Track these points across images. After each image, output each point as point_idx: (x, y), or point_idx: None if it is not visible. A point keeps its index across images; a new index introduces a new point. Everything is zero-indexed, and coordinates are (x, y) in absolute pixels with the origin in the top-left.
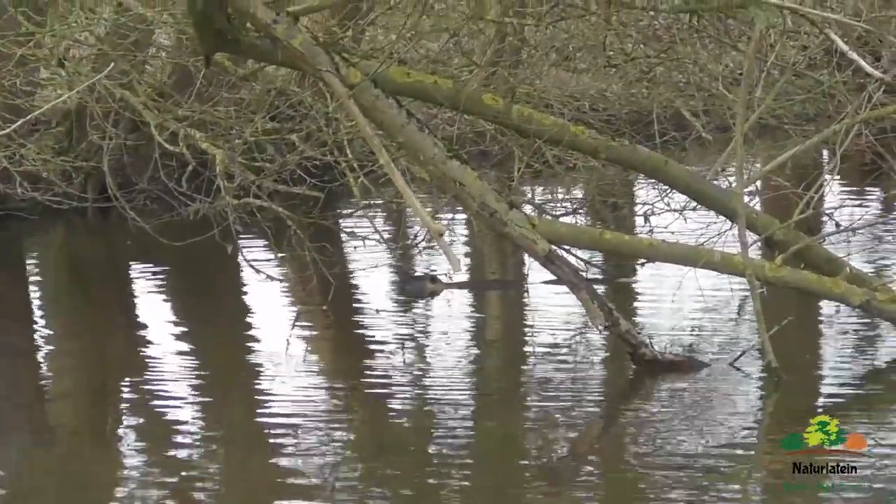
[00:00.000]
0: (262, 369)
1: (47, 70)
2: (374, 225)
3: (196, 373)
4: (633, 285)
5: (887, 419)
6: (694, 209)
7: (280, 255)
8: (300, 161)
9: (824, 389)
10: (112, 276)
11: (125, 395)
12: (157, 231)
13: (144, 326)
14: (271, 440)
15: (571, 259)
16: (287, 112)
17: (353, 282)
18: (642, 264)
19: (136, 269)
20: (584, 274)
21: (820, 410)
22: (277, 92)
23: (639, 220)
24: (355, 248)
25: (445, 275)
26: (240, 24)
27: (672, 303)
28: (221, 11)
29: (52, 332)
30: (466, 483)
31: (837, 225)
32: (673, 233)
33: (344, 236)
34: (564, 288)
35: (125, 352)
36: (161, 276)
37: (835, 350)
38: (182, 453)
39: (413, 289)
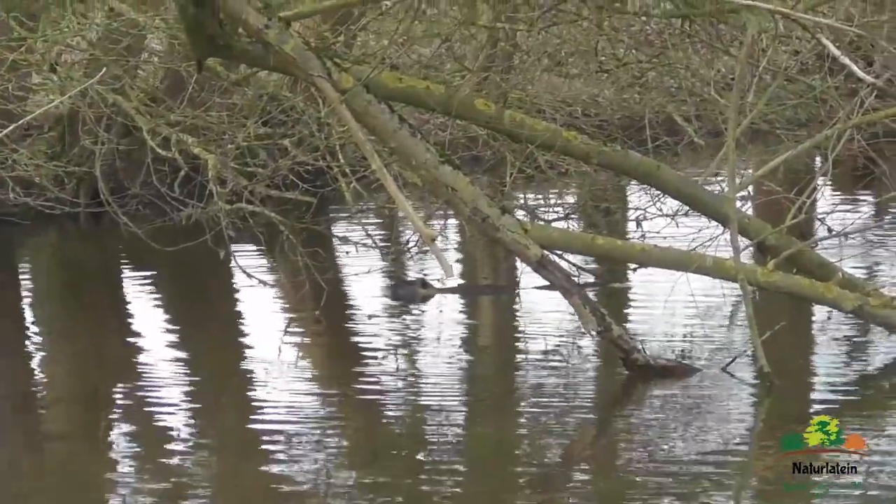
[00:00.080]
0: (254, 375)
1: (39, 75)
2: (367, 230)
3: (188, 378)
4: (626, 290)
5: (880, 424)
6: (686, 214)
7: (272, 260)
8: (292, 166)
9: (816, 394)
10: (104, 281)
11: (117, 401)
12: (150, 236)
13: (136, 331)
14: (263, 446)
15: (563, 264)
16: (279, 117)
17: (346, 287)
18: (634, 269)
19: (129, 274)
20: (576, 279)
21: (812, 416)
22: (269, 97)
23: (631, 226)
24: (347, 253)
25: (438, 280)
26: (232, 29)
27: (664, 308)
28: (213, 17)
29: (44, 337)
30: (459, 490)
31: (829, 230)
32: (665, 238)
33: (336, 241)
34: (557, 293)
35: (117, 357)
36: (153, 281)
37: (827, 355)
38: (174, 459)
39: (404, 294)
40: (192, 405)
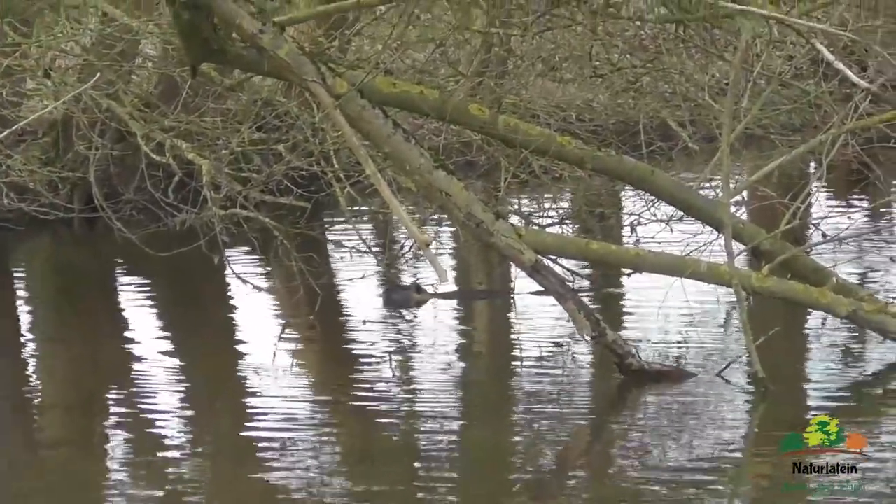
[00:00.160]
0: (248, 380)
1: (33, 80)
2: (361, 235)
3: (182, 384)
4: (620, 296)
5: (874, 430)
6: (680, 219)
7: (267, 265)
8: (287, 171)
9: (811, 400)
10: (99, 286)
11: (111, 406)
12: (144, 242)
13: (131, 337)
14: (258, 453)
15: (558, 269)
16: (273, 122)
17: (340, 292)
18: (629, 274)
19: (123, 279)
20: (570, 284)
21: (807, 421)
22: (264, 102)
23: (625, 231)
24: (342, 258)
25: (432, 285)
26: (226, 34)
27: (658, 313)
28: (207, 22)
29: (38, 343)
30: (453, 497)
31: (824, 235)
32: (659, 243)
33: (331, 247)
34: (551, 298)
35: (111, 362)
36: (147, 287)
37: (821, 360)
38: (168, 465)
39: (398, 299)
40: (187, 411)
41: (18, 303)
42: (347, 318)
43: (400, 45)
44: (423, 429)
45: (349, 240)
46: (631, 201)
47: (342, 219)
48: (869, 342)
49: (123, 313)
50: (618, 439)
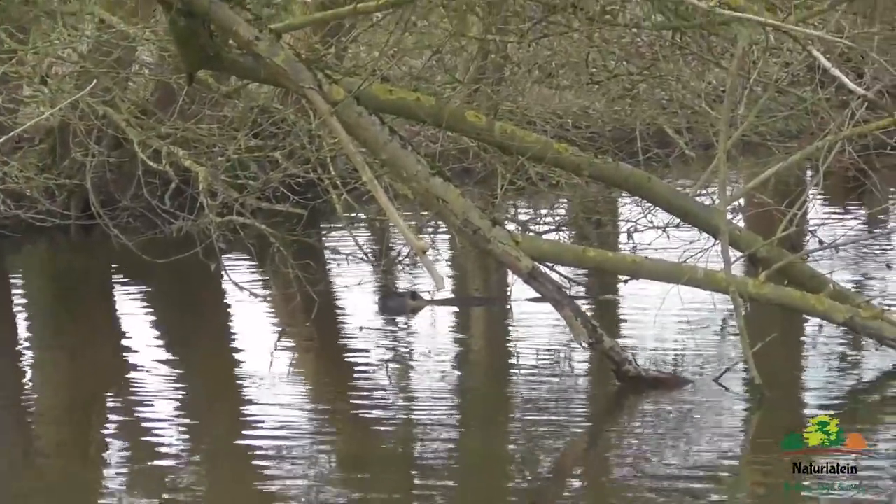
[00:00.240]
0: (245, 387)
1: (30, 87)
2: (358, 242)
3: (179, 391)
4: (617, 302)
5: (871, 437)
6: (677, 226)
7: (263, 272)
8: (283, 178)
9: (808, 406)
10: (95, 293)
11: (108, 413)
12: (141, 248)
13: (128, 344)
14: (254, 461)
15: (555, 276)
16: (270, 129)
17: (337, 299)
18: (626, 281)
19: (120, 286)
20: (567, 291)
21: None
22: (260, 109)
23: (622, 238)
24: (339, 265)
25: (428, 292)
26: (222, 41)
27: (655, 320)
28: (204, 29)
29: (35, 350)
30: None
31: (821, 242)
32: (656, 250)
33: (327, 253)
34: (548, 305)
35: (108, 369)
36: (144, 294)
37: (818, 367)
38: (165, 472)
39: (394, 306)
40: (184, 417)
41: (15, 310)
42: (344, 325)
43: (396, 51)
44: (419, 436)
45: (346, 247)
46: (628, 208)
47: (339, 226)
48: (865, 349)
49: (120, 320)
50: (615, 446)
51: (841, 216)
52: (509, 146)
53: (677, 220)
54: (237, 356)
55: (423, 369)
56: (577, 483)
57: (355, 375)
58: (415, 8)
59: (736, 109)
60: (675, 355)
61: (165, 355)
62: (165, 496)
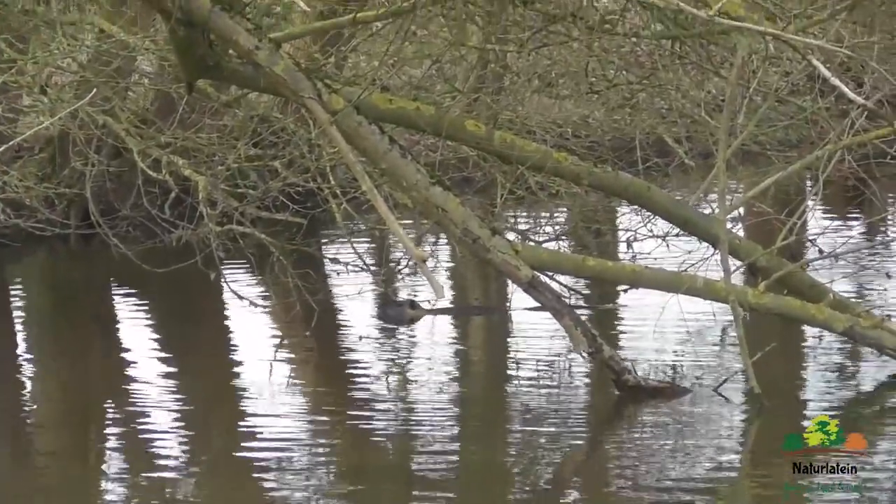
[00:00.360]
0: (244, 396)
1: (30, 97)
2: (357, 251)
3: (178, 400)
4: (616, 312)
5: (869, 445)
6: (677, 235)
7: (263, 282)
8: (283, 187)
9: (807, 415)
10: (95, 302)
11: (107, 422)
12: (140, 258)
13: (127, 353)
14: (254, 468)
15: (554, 285)
16: (270, 138)
17: (337, 308)
18: (625, 290)
19: (119, 295)
20: (566, 300)
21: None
22: (260, 118)
23: (622, 247)
24: (338, 274)
25: (427, 301)
26: (222, 50)
27: (655, 329)
28: (204, 38)
29: (34, 359)
30: None
31: (820, 251)
32: (656, 259)
33: (327, 263)
34: (548, 314)
35: (108, 378)
36: (144, 303)
37: (818, 376)
38: (163, 482)
39: (393, 315)
40: (183, 427)
41: (14, 319)
42: (343, 333)
43: (396, 61)
44: (418, 447)
45: (345, 256)
46: (627, 217)
47: (339, 235)
48: (865, 358)
49: (119, 329)
50: (614, 457)
51: (841, 225)
52: (509, 155)
53: (677, 230)
54: (236, 365)
55: (422, 379)
56: (576, 493)
57: (355, 386)
58: (414, 17)
59: (735, 119)
60: (675, 365)
61: (164, 365)
62: None
